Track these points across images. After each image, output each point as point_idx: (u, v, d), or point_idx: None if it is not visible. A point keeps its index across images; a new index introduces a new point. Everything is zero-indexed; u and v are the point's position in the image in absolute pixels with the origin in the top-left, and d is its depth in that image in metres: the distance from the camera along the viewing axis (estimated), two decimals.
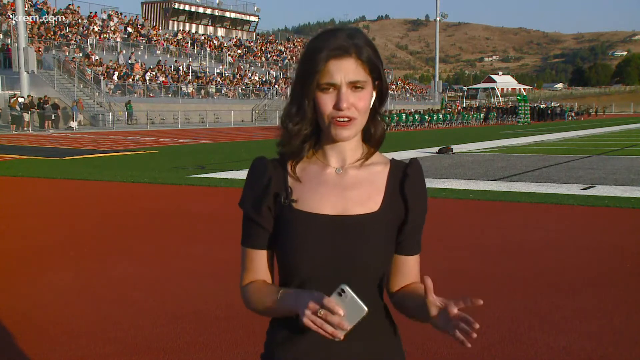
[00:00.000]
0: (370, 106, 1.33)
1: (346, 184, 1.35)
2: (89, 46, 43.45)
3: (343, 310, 1.14)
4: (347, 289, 1.15)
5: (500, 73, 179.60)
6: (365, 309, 1.14)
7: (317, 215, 1.32)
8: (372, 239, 1.31)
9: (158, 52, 50.06)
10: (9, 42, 37.17)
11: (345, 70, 1.27)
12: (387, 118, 1.53)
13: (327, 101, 1.28)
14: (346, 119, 1.28)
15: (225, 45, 58.92)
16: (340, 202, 1.33)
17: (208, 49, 55.42)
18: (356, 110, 1.28)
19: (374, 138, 1.38)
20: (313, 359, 1.32)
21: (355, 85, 1.28)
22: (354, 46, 1.28)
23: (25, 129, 30.67)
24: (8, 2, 40.58)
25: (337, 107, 1.27)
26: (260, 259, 1.40)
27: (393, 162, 1.41)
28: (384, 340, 1.37)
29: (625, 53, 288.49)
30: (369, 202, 1.34)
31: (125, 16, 53.07)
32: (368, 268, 1.30)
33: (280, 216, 1.35)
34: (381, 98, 1.36)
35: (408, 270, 1.40)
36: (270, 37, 73.07)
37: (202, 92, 46.60)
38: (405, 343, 1.46)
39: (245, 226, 1.40)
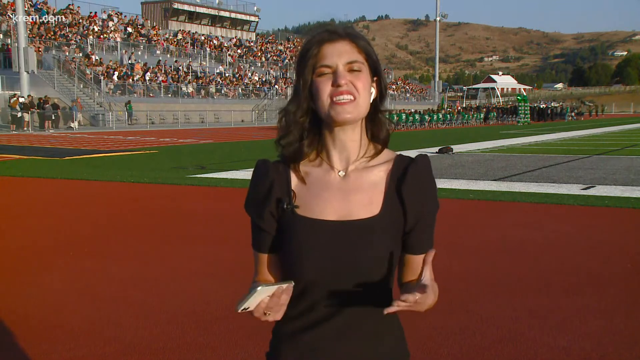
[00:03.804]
0: (371, 101, 1.32)
1: (350, 188, 1.33)
2: (89, 46, 43.45)
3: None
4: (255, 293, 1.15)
5: (500, 73, 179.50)
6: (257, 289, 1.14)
7: (320, 222, 1.31)
8: (374, 243, 1.29)
9: (158, 52, 50.05)
10: (9, 42, 37.16)
11: (340, 52, 1.27)
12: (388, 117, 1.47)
13: (324, 83, 1.27)
14: (346, 97, 1.26)
15: (225, 45, 58.90)
16: (343, 206, 1.31)
17: (208, 49, 55.41)
18: (355, 88, 1.27)
19: (377, 137, 1.36)
20: (318, 357, 1.33)
21: (352, 68, 1.27)
22: (348, 34, 1.30)
23: (25, 129, 30.66)
24: (8, 2, 40.56)
25: (335, 83, 1.26)
26: (266, 262, 1.39)
27: (397, 158, 1.37)
28: (389, 341, 1.37)
29: (625, 53, 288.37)
30: (370, 205, 1.32)
31: (125, 16, 53.05)
32: (371, 272, 1.28)
33: (283, 221, 1.34)
34: (381, 95, 1.35)
35: (415, 269, 1.37)
36: (270, 37, 73.06)
37: (202, 92, 46.60)
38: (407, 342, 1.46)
39: (252, 229, 1.40)
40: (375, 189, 1.33)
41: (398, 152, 1.41)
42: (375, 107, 1.35)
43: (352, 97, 1.26)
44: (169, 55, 50.30)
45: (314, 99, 1.30)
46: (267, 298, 1.17)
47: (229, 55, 56.89)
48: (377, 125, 1.36)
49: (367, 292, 1.30)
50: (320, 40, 1.28)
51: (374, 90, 1.33)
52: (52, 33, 41.27)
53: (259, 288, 1.13)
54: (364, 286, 1.29)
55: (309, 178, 1.35)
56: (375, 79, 1.33)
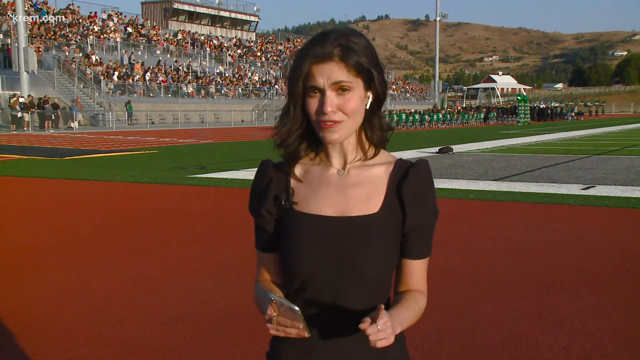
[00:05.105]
0: (367, 107, 1.32)
1: (348, 185, 1.34)
2: (89, 46, 43.46)
3: (281, 314, 1.19)
4: (274, 297, 1.19)
5: (500, 73, 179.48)
6: (296, 308, 1.17)
7: (318, 217, 1.32)
8: (371, 240, 1.30)
9: (158, 52, 50.05)
10: (9, 42, 37.16)
11: (328, 73, 1.26)
12: (388, 118, 1.47)
13: (313, 106, 1.28)
14: (332, 121, 1.27)
15: (225, 45, 58.91)
16: (341, 203, 1.33)
17: (208, 49, 55.41)
18: (343, 113, 1.27)
19: (375, 140, 1.36)
20: (319, 357, 1.33)
21: (340, 88, 1.26)
22: (340, 49, 1.26)
23: (25, 129, 30.67)
24: (8, 2, 40.58)
25: (320, 111, 1.27)
26: (267, 260, 1.41)
27: (398, 162, 1.38)
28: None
29: (625, 53, 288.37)
30: (369, 203, 1.32)
31: (125, 16, 53.06)
32: (368, 269, 1.29)
33: (281, 218, 1.36)
34: (378, 100, 1.33)
35: (409, 274, 1.37)
36: (270, 37, 73.09)
37: (202, 92, 46.61)
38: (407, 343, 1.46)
39: (254, 228, 1.42)
40: (374, 187, 1.34)
41: (398, 157, 1.41)
42: (372, 111, 1.34)
43: (339, 120, 1.27)
44: (169, 55, 50.30)
45: (307, 113, 1.31)
46: (287, 319, 1.19)
47: (229, 55, 56.89)
48: (371, 130, 1.36)
49: (366, 290, 1.30)
50: (310, 61, 1.26)
51: (371, 96, 1.32)
52: (52, 33, 41.27)
53: (297, 308, 1.16)
54: (362, 283, 1.30)
55: (308, 175, 1.37)
56: (371, 84, 1.31)
